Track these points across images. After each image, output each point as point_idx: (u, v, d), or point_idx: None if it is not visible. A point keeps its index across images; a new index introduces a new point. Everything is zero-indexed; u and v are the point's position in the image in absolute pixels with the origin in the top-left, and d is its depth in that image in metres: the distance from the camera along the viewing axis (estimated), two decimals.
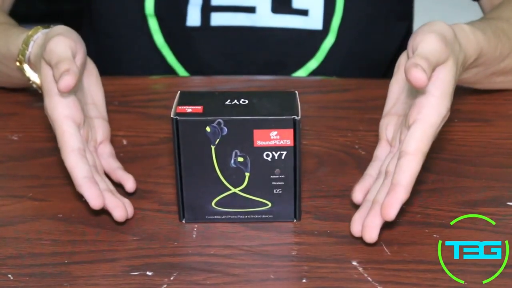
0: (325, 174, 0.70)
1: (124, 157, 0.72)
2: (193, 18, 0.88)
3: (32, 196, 0.68)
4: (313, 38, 0.89)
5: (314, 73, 0.91)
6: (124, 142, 0.75)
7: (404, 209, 0.65)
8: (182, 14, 0.88)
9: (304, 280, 0.58)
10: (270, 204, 0.63)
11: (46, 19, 2.17)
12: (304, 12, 0.88)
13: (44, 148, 0.75)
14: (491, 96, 0.82)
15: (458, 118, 0.78)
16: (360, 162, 0.71)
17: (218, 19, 0.89)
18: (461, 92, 0.82)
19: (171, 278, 0.58)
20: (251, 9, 0.88)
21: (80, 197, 0.67)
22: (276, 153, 0.60)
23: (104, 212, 0.65)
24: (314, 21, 0.88)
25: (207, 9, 0.88)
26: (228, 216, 0.63)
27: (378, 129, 0.76)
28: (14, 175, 0.71)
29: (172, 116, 0.60)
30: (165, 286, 0.57)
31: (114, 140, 0.75)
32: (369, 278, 0.58)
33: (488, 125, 0.77)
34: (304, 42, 0.90)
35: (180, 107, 0.61)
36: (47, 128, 0.78)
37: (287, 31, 0.89)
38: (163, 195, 0.67)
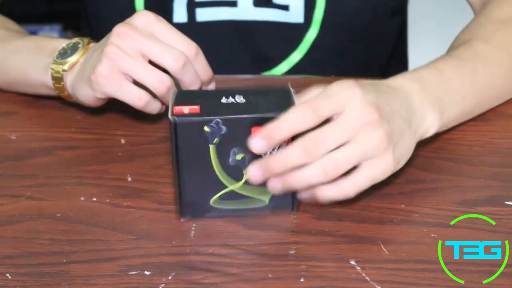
0: None
1: (122, 156, 0.72)
2: (180, 14, 0.89)
3: (30, 196, 0.68)
4: (295, 31, 0.90)
5: (297, 66, 0.91)
6: (123, 141, 0.75)
7: (402, 209, 0.65)
8: (169, 11, 0.89)
9: (302, 280, 0.58)
10: (267, 201, 0.63)
11: (46, 19, 2.17)
12: (284, 7, 0.89)
13: (43, 148, 0.75)
14: None
15: None
16: None
17: (203, 15, 0.90)
18: None
19: (169, 278, 0.58)
20: (233, 3, 0.89)
21: (78, 196, 0.67)
22: (273, 150, 0.60)
23: (102, 211, 0.65)
24: (295, 15, 0.89)
25: (192, 5, 0.90)
26: (226, 213, 0.63)
27: None
28: (12, 175, 0.71)
29: (169, 117, 0.60)
30: (163, 285, 0.57)
31: (112, 139, 0.75)
32: (367, 278, 0.58)
33: (487, 124, 0.77)
34: (286, 35, 0.90)
35: (176, 108, 0.61)
36: (46, 127, 0.78)
37: (269, 24, 0.90)
38: (162, 194, 0.67)
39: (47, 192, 0.68)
